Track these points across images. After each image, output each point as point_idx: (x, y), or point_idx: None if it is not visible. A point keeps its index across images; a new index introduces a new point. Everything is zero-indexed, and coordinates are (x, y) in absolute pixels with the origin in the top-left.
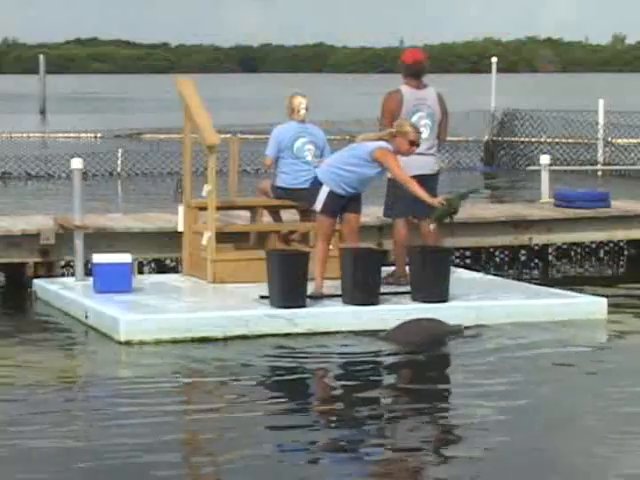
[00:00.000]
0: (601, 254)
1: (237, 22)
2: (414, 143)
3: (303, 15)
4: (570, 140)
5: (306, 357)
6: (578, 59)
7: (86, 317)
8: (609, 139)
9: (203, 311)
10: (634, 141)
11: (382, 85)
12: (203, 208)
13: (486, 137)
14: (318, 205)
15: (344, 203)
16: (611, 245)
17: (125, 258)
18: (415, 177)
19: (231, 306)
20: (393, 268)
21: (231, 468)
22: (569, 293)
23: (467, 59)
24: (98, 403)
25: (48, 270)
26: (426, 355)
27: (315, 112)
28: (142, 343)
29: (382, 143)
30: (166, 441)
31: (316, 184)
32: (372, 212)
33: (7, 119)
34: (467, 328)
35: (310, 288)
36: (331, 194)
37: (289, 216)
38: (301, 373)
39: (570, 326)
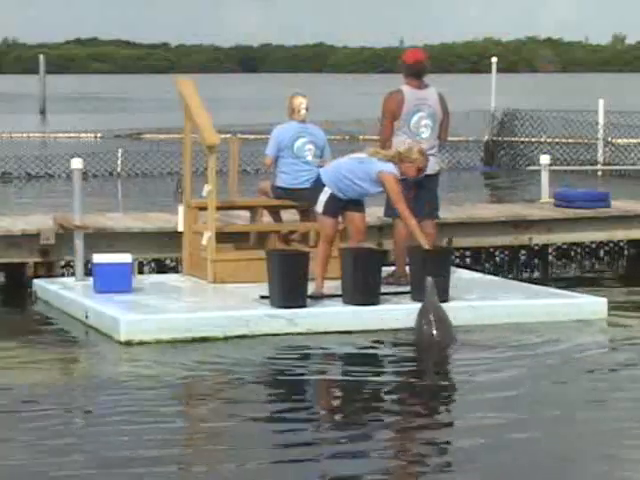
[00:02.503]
0: (601, 254)
1: (237, 22)
2: (421, 170)
3: (303, 15)
4: (570, 140)
5: (306, 357)
6: (578, 59)
7: (86, 317)
8: (609, 139)
9: (203, 311)
10: (634, 141)
11: (382, 85)
12: (203, 208)
13: (486, 137)
14: (319, 206)
15: (344, 204)
16: (611, 245)
17: (125, 258)
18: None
19: (231, 306)
20: (393, 268)
21: (231, 468)
22: (569, 293)
23: (467, 59)
24: (98, 403)
25: (48, 270)
26: (426, 355)
27: (315, 112)
28: (142, 343)
29: (390, 167)
30: (166, 441)
31: (317, 184)
32: (372, 212)
33: (7, 119)
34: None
35: (310, 288)
36: (332, 196)
37: (289, 216)
38: (301, 373)
39: (570, 326)
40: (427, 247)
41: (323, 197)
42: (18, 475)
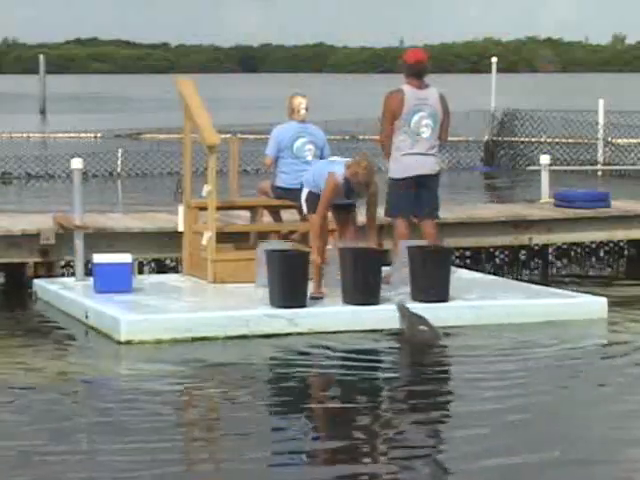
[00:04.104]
0: (601, 254)
1: (237, 22)
2: (361, 183)
3: (303, 15)
4: (570, 140)
5: (306, 357)
6: (578, 59)
7: (86, 317)
8: (609, 139)
9: (203, 311)
10: (634, 141)
11: (382, 85)
12: (203, 208)
13: (486, 137)
14: (304, 207)
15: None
16: (611, 245)
17: (125, 258)
18: (416, 177)
19: (231, 306)
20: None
21: (230, 468)
22: (569, 293)
23: (467, 59)
24: (98, 403)
25: (48, 270)
26: (426, 355)
27: (315, 112)
28: (142, 343)
29: (339, 169)
30: (166, 441)
31: None
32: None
33: (7, 119)
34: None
35: (311, 288)
36: (311, 193)
37: (289, 216)
38: (301, 373)
39: (570, 326)
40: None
41: (303, 196)
42: (17, 475)
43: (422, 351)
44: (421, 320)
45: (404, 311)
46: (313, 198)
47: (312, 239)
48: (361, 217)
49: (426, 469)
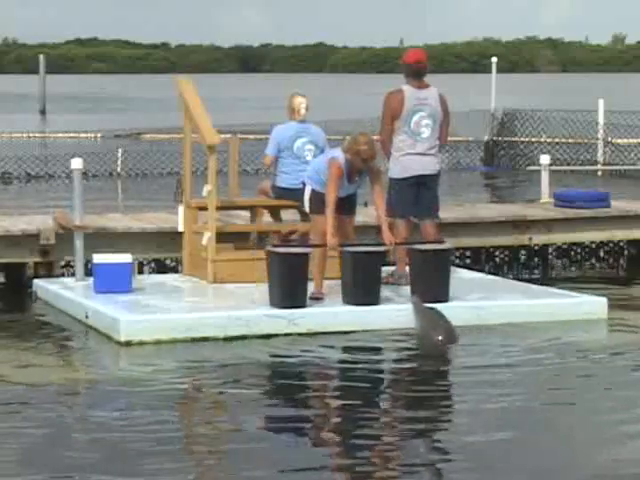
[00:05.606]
0: (601, 254)
1: (237, 22)
2: (366, 161)
3: (303, 15)
4: (570, 140)
5: (306, 357)
6: (578, 59)
7: (86, 317)
8: (609, 139)
9: (203, 311)
10: (634, 141)
11: (382, 85)
12: (203, 208)
13: (486, 137)
14: (306, 206)
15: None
16: (611, 245)
17: (125, 258)
18: (416, 177)
19: (231, 306)
20: (393, 268)
21: (232, 468)
22: (569, 293)
23: (467, 59)
24: (98, 403)
25: (48, 270)
26: (426, 355)
27: (315, 112)
28: (142, 343)
29: (338, 154)
30: (166, 441)
31: None
32: (373, 212)
33: (7, 119)
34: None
35: (311, 288)
36: (314, 192)
37: (289, 216)
38: (301, 373)
39: (570, 326)
40: (330, 244)
41: (306, 196)
42: (16, 475)
43: (423, 351)
44: (439, 320)
45: (420, 308)
46: (317, 197)
47: (314, 237)
48: (367, 218)
49: (428, 469)
